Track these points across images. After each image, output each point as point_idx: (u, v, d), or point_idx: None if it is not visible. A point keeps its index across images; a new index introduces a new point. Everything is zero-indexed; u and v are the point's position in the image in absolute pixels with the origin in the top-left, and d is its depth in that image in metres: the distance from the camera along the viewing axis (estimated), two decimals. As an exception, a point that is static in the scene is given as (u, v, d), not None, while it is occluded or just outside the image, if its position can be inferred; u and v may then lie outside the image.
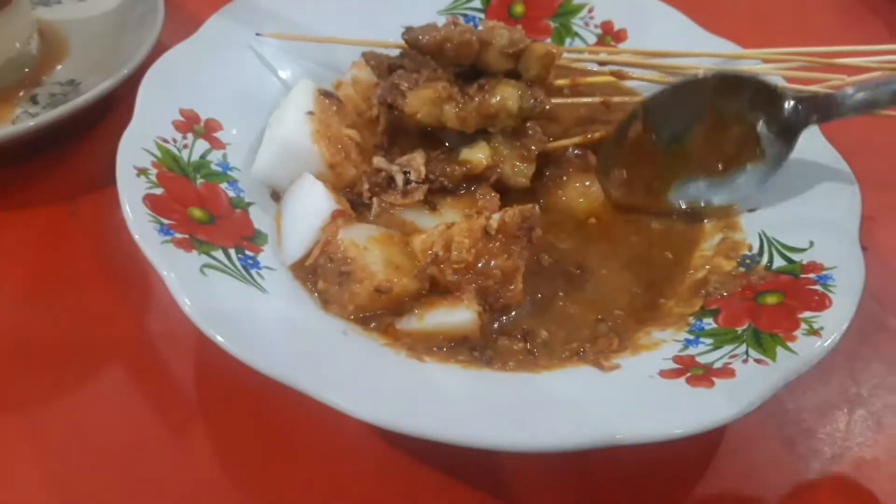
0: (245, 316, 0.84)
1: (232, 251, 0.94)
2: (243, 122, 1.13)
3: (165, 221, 0.91)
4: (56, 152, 1.23)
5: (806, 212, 1.06)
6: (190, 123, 1.07)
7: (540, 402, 0.82)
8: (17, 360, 0.97)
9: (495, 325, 0.96)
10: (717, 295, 0.99)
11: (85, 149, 1.25)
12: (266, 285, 0.92)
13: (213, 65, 1.15)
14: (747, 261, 1.03)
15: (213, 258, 0.90)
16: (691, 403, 0.80)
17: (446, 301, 0.95)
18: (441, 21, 1.20)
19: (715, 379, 0.83)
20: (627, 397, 0.82)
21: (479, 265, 0.95)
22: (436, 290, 0.97)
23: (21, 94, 1.29)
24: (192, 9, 1.47)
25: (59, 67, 1.35)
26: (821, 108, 1.06)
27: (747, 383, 0.81)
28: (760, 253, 1.03)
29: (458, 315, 0.93)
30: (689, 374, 0.85)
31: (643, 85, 1.26)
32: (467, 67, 1.10)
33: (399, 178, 1.07)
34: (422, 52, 1.08)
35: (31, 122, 1.13)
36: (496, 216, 0.97)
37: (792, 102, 1.06)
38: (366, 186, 1.07)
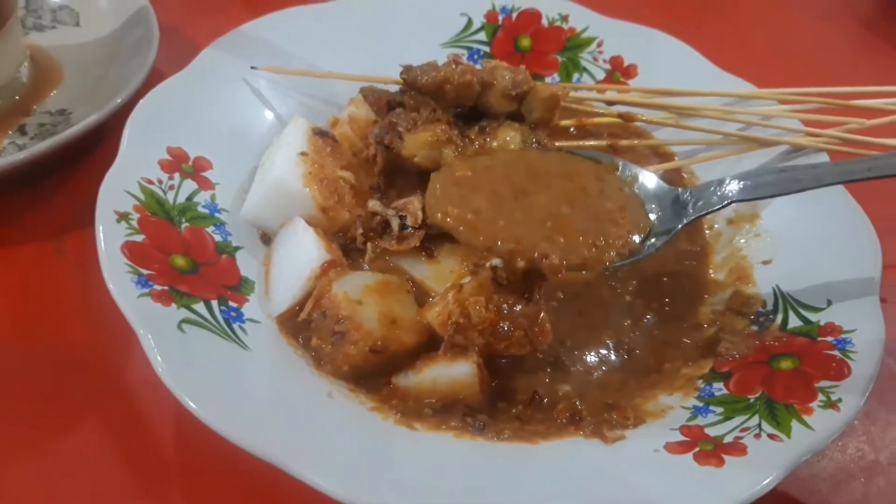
0: (223, 379, 0.79)
1: (214, 303, 0.89)
2: (234, 160, 1.09)
3: (144, 272, 0.86)
4: (43, 185, 1.19)
5: (823, 266, 1.00)
6: (178, 162, 1.03)
7: (542, 483, 0.77)
8: (-13, 410, 0.93)
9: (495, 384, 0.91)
10: (728, 356, 0.94)
11: (74, 181, 1.21)
12: (248, 341, 0.87)
13: (204, 99, 1.11)
14: (761, 318, 0.98)
15: (194, 312, 0.86)
16: (699, 485, 0.75)
17: (445, 355, 0.90)
18: (444, 55, 1.16)
19: (725, 456, 0.77)
20: (633, 477, 0.77)
21: (502, 319, 0.90)
22: (435, 344, 0.92)
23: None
24: (187, 35, 1.44)
25: (52, 94, 1.32)
26: (703, 198, 0.94)
27: (760, 463, 0.76)
28: (775, 311, 0.97)
29: (458, 368, 0.88)
30: (697, 450, 0.79)
31: (652, 125, 1.21)
32: (468, 108, 1.05)
33: (395, 223, 1.02)
34: (421, 92, 1.03)
35: (19, 155, 1.09)
36: (497, 262, 0.92)
37: (674, 193, 0.95)
38: (359, 231, 1.03)
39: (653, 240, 0.92)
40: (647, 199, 0.96)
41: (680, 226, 0.93)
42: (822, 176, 0.91)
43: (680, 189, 0.97)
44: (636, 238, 0.91)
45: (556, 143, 1.06)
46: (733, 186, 0.93)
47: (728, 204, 0.94)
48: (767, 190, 0.92)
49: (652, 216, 0.94)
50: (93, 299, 1.04)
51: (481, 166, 0.97)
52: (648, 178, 0.98)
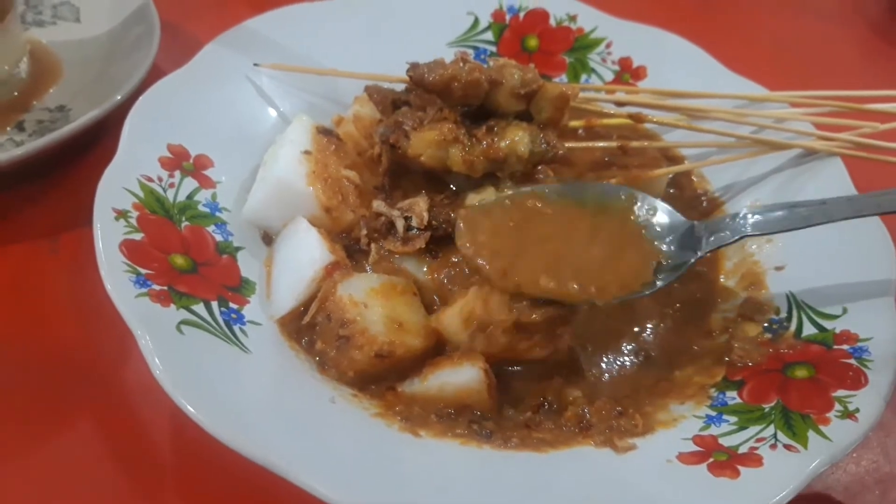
0: (222, 383, 0.76)
1: (214, 304, 0.87)
2: (236, 158, 1.06)
3: (143, 271, 0.84)
4: (40, 182, 1.17)
5: (838, 272, 0.98)
6: (178, 160, 1.00)
7: (550, 493, 0.74)
8: (-20, 412, 0.90)
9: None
10: (741, 364, 0.91)
11: (71, 179, 1.18)
12: (249, 344, 0.84)
13: (206, 96, 1.09)
14: (774, 326, 0.95)
15: (193, 313, 0.83)
16: (714, 497, 0.72)
17: (451, 360, 0.88)
18: (450, 54, 1.14)
19: (740, 467, 0.75)
20: (646, 488, 0.74)
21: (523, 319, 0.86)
22: (442, 349, 0.90)
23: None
24: (189, 32, 1.41)
25: (51, 91, 1.29)
26: (717, 231, 0.93)
27: (776, 475, 0.73)
28: (789, 318, 0.95)
29: (464, 373, 0.86)
30: (711, 460, 0.77)
31: (663, 128, 1.19)
32: (476, 107, 1.03)
33: (400, 224, 0.99)
34: (427, 90, 1.01)
35: (16, 151, 1.06)
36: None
37: (688, 226, 0.95)
38: (364, 232, 1.00)
39: (662, 275, 0.90)
40: (662, 232, 0.94)
41: (693, 260, 0.91)
42: (831, 212, 0.91)
43: (695, 222, 0.95)
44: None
45: (567, 144, 1.04)
46: (747, 221, 0.92)
47: (741, 238, 0.92)
48: (779, 225, 0.92)
49: (665, 248, 0.92)
50: (88, 299, 1.02)
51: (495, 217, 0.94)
52: (664, 211, 0.96)
